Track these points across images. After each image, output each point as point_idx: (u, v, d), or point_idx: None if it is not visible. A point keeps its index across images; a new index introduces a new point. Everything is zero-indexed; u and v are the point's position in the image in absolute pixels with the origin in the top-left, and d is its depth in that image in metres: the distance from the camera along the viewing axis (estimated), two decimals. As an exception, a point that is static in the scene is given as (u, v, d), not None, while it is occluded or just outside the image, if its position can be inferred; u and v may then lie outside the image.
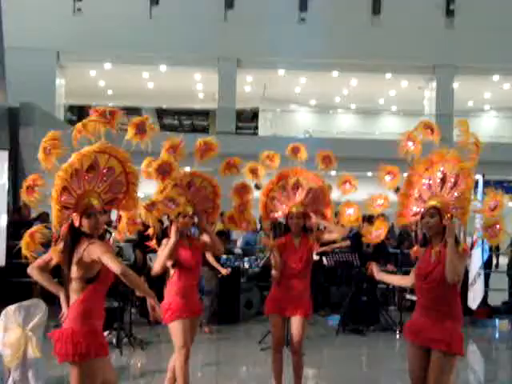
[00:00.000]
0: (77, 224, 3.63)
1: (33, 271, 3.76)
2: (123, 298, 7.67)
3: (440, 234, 3.95)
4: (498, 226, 4.08)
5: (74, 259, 3.57)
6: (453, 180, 4.05)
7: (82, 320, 3.54)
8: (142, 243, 8.94)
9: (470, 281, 9.25)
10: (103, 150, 3.86)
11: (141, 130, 4.29)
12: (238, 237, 11.82)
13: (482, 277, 9.28)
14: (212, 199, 5.18)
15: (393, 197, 4.69)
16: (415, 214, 4.21)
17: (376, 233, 4.86)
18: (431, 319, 3.92)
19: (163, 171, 4.79)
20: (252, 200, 5.48)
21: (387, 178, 4.68)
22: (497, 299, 10.53)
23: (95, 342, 3.54)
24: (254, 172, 5.55)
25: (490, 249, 10.17)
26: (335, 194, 5.47)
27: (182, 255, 4.88)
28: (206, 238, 5.05)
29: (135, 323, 8.23)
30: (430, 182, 4.18)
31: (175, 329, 4.75)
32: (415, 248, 4.22)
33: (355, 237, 9.60)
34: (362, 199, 4.82)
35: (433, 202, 4.03)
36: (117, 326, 7.35)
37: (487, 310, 9.90)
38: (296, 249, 5.15)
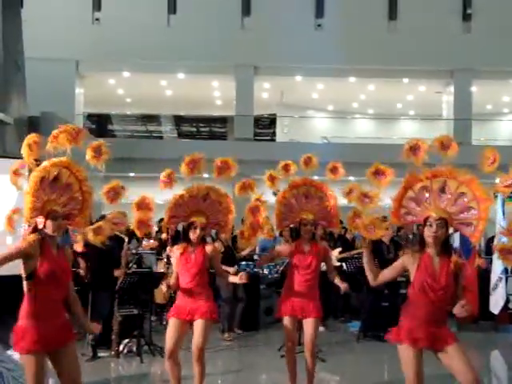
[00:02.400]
0: (40, 226, 3.92)
1: None
2: (143, 305, 7.71)
3: (439, 245, 4.06)
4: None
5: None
6: (455, 196, 4.14)
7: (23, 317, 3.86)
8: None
9: (491, 285, 9.18)
10: (67, 166, 4.19)
11: (97, 153, 4.53)
12: (255, 243, 11.82)
13: (504, 281, 9.19)
14: (225, 214, 5.34)
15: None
16: (413, 220, 4.29)
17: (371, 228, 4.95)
18: (434, 324, 4.07)
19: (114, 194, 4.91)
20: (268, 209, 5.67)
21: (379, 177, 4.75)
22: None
23: (26, 339, 3.77)
24: (272, 180, 5.71)
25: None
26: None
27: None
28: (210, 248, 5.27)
29: (155, 331, 8.27)
30: (428, 191, 4.24)
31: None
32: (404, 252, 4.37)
33: (374, 242, 9.53)
34: (382, 204, 4.84)
35: (440, 214, 4.08)
36: (137, 333, 7.39)
37: (509, 315, 9.79)
38: (305, 254, 5.46)
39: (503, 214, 9.28)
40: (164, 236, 9.84)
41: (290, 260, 5.56)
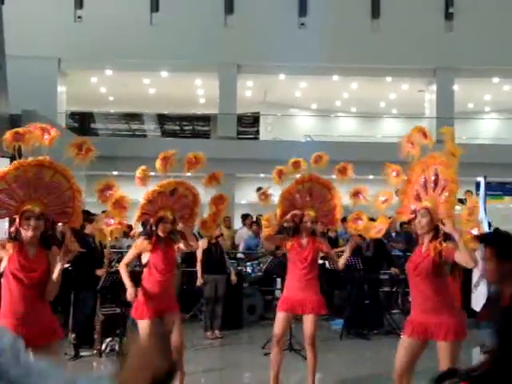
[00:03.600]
0: (18, 226, 3.97)
1: None
2: (126, 304, 7.67)
3: (430, 234, 4.16)
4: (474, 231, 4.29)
5: None
6: (443, 182, 4.23)
7: None
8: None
9: (473, 283, 9.25)
10: (48, 166, 4.19)
11: (81, 150, 4.62)
12: (239, 241, 11.84)
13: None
14: (191, 207, 5.42)
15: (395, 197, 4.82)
16: (413, 213, 4.33)
17: (377, 228, 5.06)
18: (428, 313, 4.17)
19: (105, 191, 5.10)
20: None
21: (393, 174, 4.83)
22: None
23: None
24: (280, 175, 5.80)
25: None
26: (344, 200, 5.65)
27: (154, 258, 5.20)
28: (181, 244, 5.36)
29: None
30: (426, 182, 4.38)
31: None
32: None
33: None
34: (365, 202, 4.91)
35: (425, 203, 4.23)
36: (119, 332, 7.36)
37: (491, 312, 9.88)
38: (302, 248, 5.49)
39: (485, 211, 9.37)
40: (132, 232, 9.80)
41: (288, 255, 5.61)
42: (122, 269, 5.38)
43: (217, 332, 8.54)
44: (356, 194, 5.67)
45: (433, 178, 4.30)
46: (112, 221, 5.14)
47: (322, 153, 5.84)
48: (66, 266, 7.85)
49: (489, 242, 3.06)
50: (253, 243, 11.18)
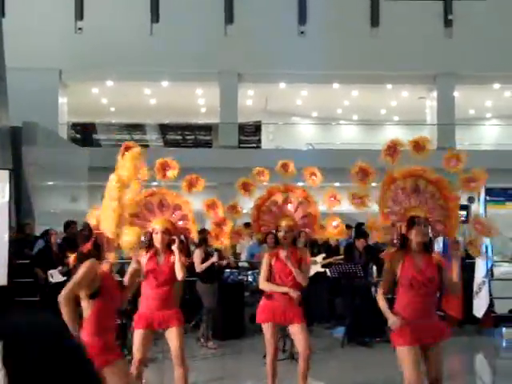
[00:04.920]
0: None
1: None
2: (126, 315, 7.66)
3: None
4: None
5: None
6: (425, 196, 4.43)
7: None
8: (41, 261, 8.93)
9: (474, 289, 9.22)
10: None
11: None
12: (242, 250, 11.81)
13: (487, 285, 9.24)
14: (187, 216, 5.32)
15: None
16: (398, 219, 4.43)
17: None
18: (426, 320, 4.29)
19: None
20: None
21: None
22: (503, 308, 10.47)
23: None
24: (245, 188, 5.75)
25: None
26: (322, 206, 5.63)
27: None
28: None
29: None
30: (405, 191, 4.48)
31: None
32: (387, 252, 4.50)
33: (348, 249, 9.64)
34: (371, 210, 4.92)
35: (421, 214, 4.31)
36: (119, 343, 7.33)
37: (493, 319, 9.83)
38: (284, 260, 5.37)
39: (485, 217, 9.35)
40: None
41: (271, 266, 5.51)
42: None
43: (210, 343, 8.46)
44: (330, 197, 5.64)
45: (413, 188, 4.42)
46: None
47: (289, 161, 5.82)
48: (62, 279, 7.88)
49: None
50: (256, 251, 11.14)
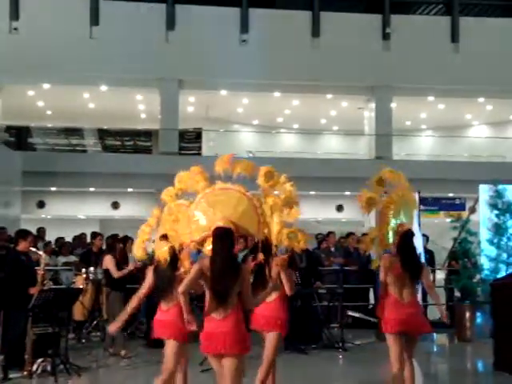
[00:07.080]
0: None
1: None
2: (59, 323, 7.45)
3: None
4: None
5: None
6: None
7: None
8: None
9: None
10: None
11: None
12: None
13: (420, 291, 9.44)
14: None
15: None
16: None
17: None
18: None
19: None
20: None
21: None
22: (435, 313, 10.71)
23: None
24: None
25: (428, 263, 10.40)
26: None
27: None
28: None
29: (73, 349, 8.00)
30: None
31: None
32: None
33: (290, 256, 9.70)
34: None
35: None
36: (51, 352, 7.12)
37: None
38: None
39: (419, 225, 9.64)
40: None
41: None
42: None
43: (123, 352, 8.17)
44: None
45: None
46: None
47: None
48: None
49: None
50: (194, 258, 11.06)
